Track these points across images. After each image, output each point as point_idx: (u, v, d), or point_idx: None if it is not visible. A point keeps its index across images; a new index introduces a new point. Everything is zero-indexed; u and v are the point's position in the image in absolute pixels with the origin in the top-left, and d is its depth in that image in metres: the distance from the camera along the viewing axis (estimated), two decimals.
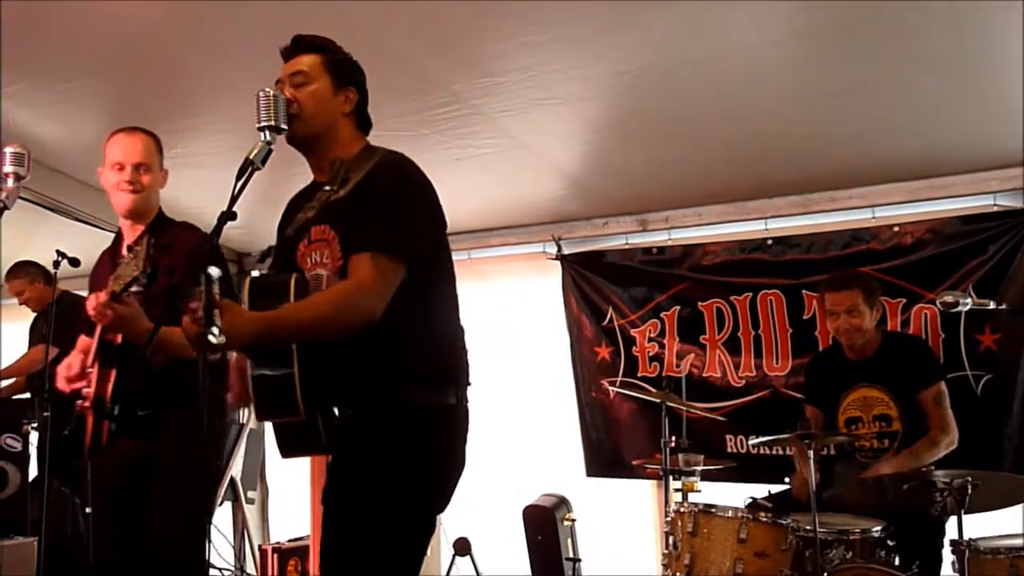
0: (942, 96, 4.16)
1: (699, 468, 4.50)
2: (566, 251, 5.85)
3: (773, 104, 4.31)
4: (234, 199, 2.30)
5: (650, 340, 5.61)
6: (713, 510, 3.88)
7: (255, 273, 2.59)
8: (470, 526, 5.32)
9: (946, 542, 3.80)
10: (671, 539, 3.98)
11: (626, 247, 5.72)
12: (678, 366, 5.46)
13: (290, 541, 6.04)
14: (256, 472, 6.61)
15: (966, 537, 3.46)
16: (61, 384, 3.30)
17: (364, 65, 2.65)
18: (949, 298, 3.38)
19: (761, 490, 4.38)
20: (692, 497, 4.34)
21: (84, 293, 6.13)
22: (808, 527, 3.66)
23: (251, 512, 6.52)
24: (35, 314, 6.16)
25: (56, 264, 5.06)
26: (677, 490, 4.42)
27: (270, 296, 2.31)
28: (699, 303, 5.46)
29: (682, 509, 3.98)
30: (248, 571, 6.28)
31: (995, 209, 4.72)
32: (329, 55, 2.56)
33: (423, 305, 2.42)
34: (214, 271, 2.00)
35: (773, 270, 5.26)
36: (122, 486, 3.37)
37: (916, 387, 4.23)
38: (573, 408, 5.86)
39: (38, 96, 4.76)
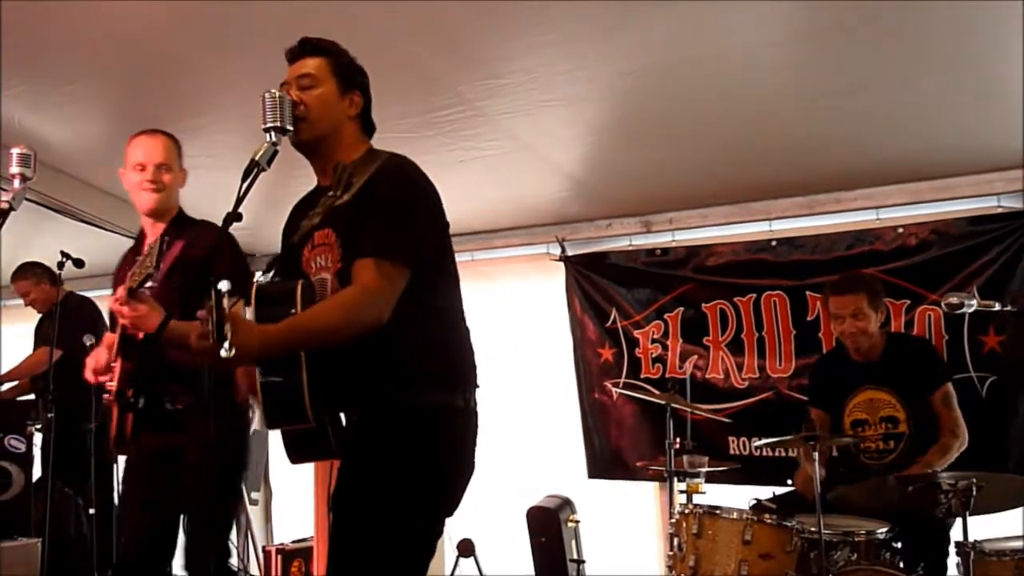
0: (945, 97, 4.15)
1: (703, 470, 4.49)
2: (570, 252, 5.85)
3: (777, 105, 4.31)
4: (239, 200, 2.30)
5: (653, 341, 5.60)
6: (718, 512, 3.88)
7: (259, 278, 2.58)
8: (474, 527, 5.31)
9: (951, 544, 3.79)
10: (676, 541, 3.97)
11: (630, 248, 5.72)
12: (681, 367, 5.46)
13: (294, 542, 6.04)
14: (260, 473, 6.61)
15: (971, 539, 3.47)
16: (89, 375, 3.33)
17: (368, 66, 2.64)
18: (954, 299, 3.38)
19: (763, 492, 4.37)
20: (696, 499, 4.33)
21: (89, 294, 6.21)
22: (813, 529, 3.65)
23: (255, 513, 6.52)
24: (40, 315, 6.16)
25: (60, 265, 5.08)
26: (682, 492, 4.41)
27: (277, 303, 2.31)
28: (703, 304, 5.46)
29: (687, 511, 3.98)
30: (252, 572, 6.27)
31: (999, 210, 4.72)
32: (335, 58, 2.56)
33: (429, 308, 2.41)
34: (223, 285, 2.00)
35: (777, 271, 5.25)
36: (146, 480, 3.41)
37: (924, 389, 4.23)
38: (577, 409, 5.85)
39: (42, 98, 4.78)
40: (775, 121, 4.44)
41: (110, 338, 3.39)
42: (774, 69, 4.07)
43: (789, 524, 3.75)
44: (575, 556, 5.43)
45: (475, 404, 2.46)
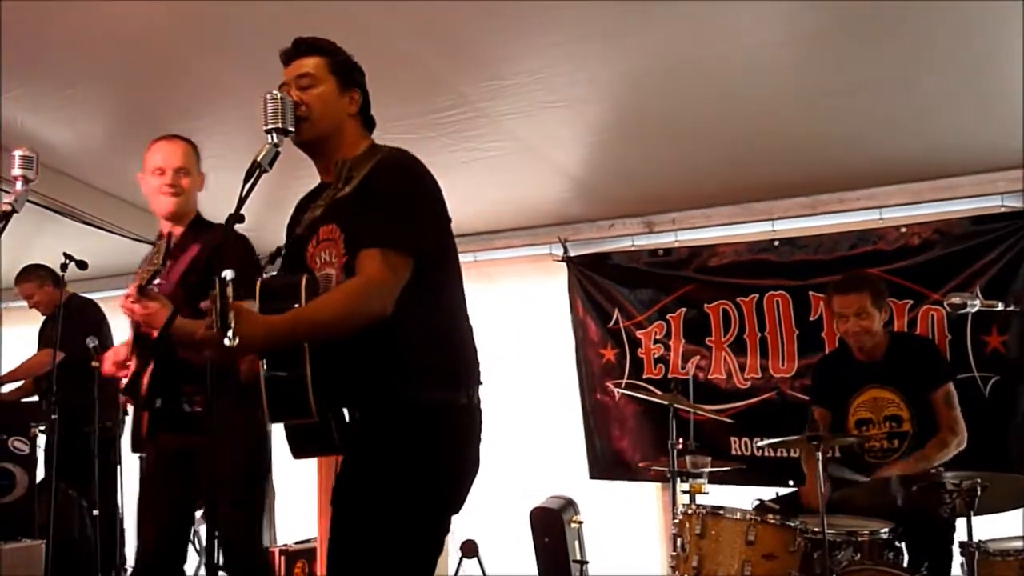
0: (947, 97, 4.16)
1: (706, 470, 4.48)
2: (572, 253, 5.85)
3: (779, 105, 4.31)
4: (242, 201, 2.31)
5: (656, 342, 5.60)
6: (721, 512, 3.87)
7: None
8: (477, 528, 5.31)
9: (955, 544, 3.79)
10: (679, 541, 3.97)
11: (632, 249, 5.72)
12: (684, 368, 5.45)
13: (297, 543, 6.04)
14: None
15: (975, 539, 3.46)
16: (108, 367, 3.36)
17: (370, 67, 2.65)
18: (957, 299, 3.38)
19: (765, 492, 4.37)
20: (699, 499, 4.33)
21: (92, 296, 6.22)
22: (816, 529, 3.65)
23: None
24: (43, 317, 6.17)
25: (63, 267, 5.08)
26: (685, 492, 4.41)
27: (281, 297, 2.31)
28: (705, 305, 5.45)
29: (690, 511, 3.97)
30: None
31: (1002, 210, 4.72)
32: (332, 57, 2.57)
33: (432, 303, 2.41)
34: (228, 274, 2.00)
35: (780, 271, 5.25)
36: (163, 480, 3.45)
37: (926, 388, 4.22)
38: (579, 410, 5.85)
39: (43, 100, 4.79)
40: (777, 121, 4.44)
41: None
42: (776, 69, 4.07)
43: (792, 524, 3.75)
44: (578, 557, 5.42)
45: (478, 401, 2.46)
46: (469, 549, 5.38)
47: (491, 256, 6.03)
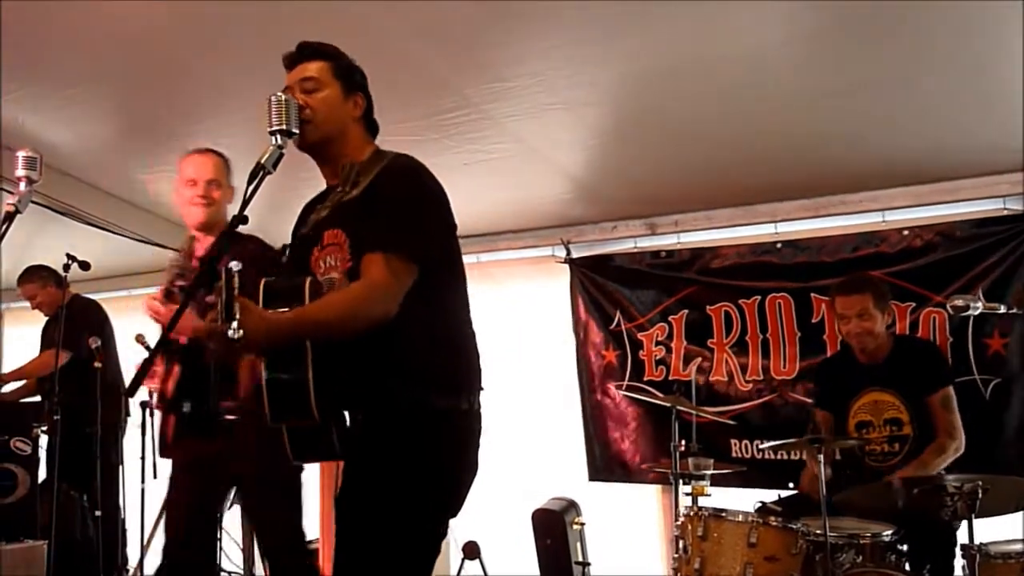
0: (949, 98, 4.16)
1: (709, 472, 4.48)
2: (575, 255, 5.85)
3: (781, 106, 4.31)
4: (245, 203, 2.32)
5: (657, 344, 5.60)
6: (723, 514, 3.87)
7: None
8: (479, 530, 5.31)
9: (957, 546, 3.79)
10: (681, 543, 3.97)
11: (635, 250, 5.72)
12: (685, 370, 5.45)
13: None
14: None
15: (977, 541, 3.46)
16: (150, 308, 3.39)
17: (373, 69, 2.65)
18: (959, 302, 3.37)
19: (766, 495, 4.37)
20: (701, 501, 4.33)
21: (95, 297, 6.23)
22: (818, 531, 3.65)
23: None
24: (46, 318, 6.18)
25: (66, 268, 5.09)
26: (687, 494, 4.41)
27: (285, 299, 2.32)
28: (707, 307, 5.45)
29: (692, 513, 3.98)
30: (257, 574, 6.28)
31: (1004, 213, 4.72)
32: (336, 61, 2.57)
33: (436, 309, 2.42)
34: (235, 265, 2.01)
35: (782, 273, 5.25)
36: (188, 484, 3.53)
37: (924, 391, 4.22)
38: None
39: (45, 100, 4.79)
40: (779, 123, 4.44)
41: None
42: (778, 70, 4.07)
43: (794, 526, 3.75)
44: (580, 558, 5.42)
45: (479, 406, 2.47)
46: (471, 550, 5.38)
47: (494, 257, 6.03)
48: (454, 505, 2.44)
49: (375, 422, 2.38)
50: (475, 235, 5.78)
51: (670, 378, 5.47)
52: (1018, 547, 3.52)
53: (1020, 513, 3.87)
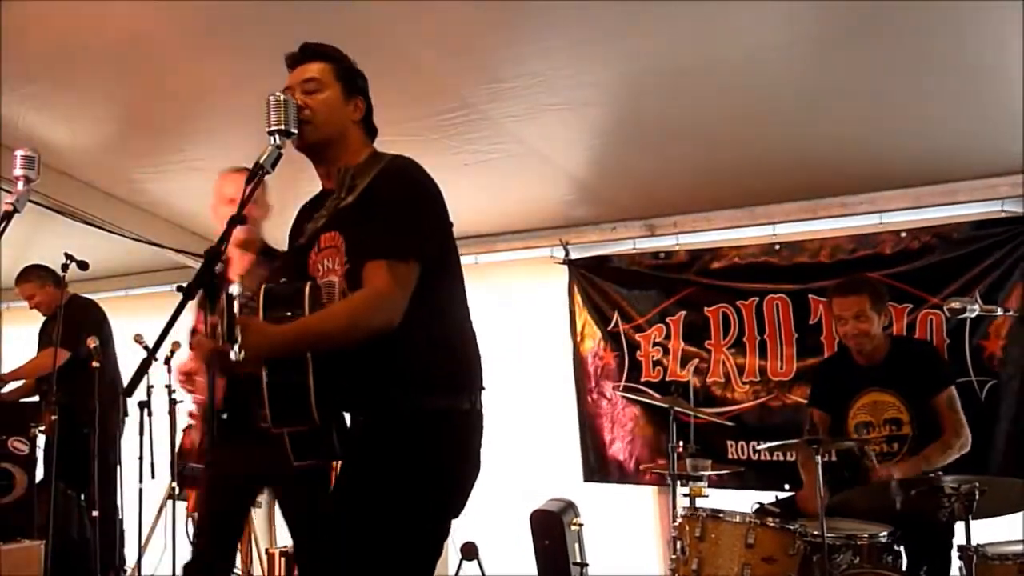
0: (947, 100, 4.15)
1: (706, 473, 4.49)
2: (573, 256, 5.85)
3: (780, 108, 4.31)
4: (243, 203, 2.31)
5: (655, 345, 5.60)
6: (721, 515, 3.88)
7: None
8: (477, 530, 5.31)
9: (954, 548, 3.79)
10: (679, 544, 3.98)
11: (633, 252, 5.72)
12: (682, 371, 5.46)
13: None
14: None
15: (974, 543, 3.47)
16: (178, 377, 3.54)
17: (373, 69, 2.65)
18: (956, 304, 3.38)
19: (762, 496, 4.38)
20: (699, 502, 4.33)
21: (94, 296, 6.22)
22: (816, 532, 3.65)
23: (258, 517, 6.51)
24: (44, 318, 6.17)
25: (64, 267, 5.09)
26: (684, 495, 4.41)
27: (285, 305, 2.32)
28: (705, 308, 5.45)
29: (690, 514, 3.98)
30: (255, 574, 6.28)
31: (1002, 215, 4.72)
32: (338, 63, 2.57)
33: (435, 309, 2.41)
34: (235, 288, 2.03)
35: (781, 275, 5.25)
36: (222, 492, 3.62)
37: (928, 392, 4.23)
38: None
39: (44, 100, 4.78)
40: (779, 125, 4.45)
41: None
42: (777, 72, 4.07)
43: (792, 527, 3.76)
44: (578, 559, 5.42)
45: (480, 406, 2.47)
46: (469, 551, 5.38)
47: (492, 258, 6.03)
48: (456, 505, 2.43)
49: (376, 423, 2.38)
50: (474, 235, 5.79)
51: (667, 379, 5.47)
52: (1014, 548, 3.52)
53: (1017, 515, 3.89)
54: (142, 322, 5.39)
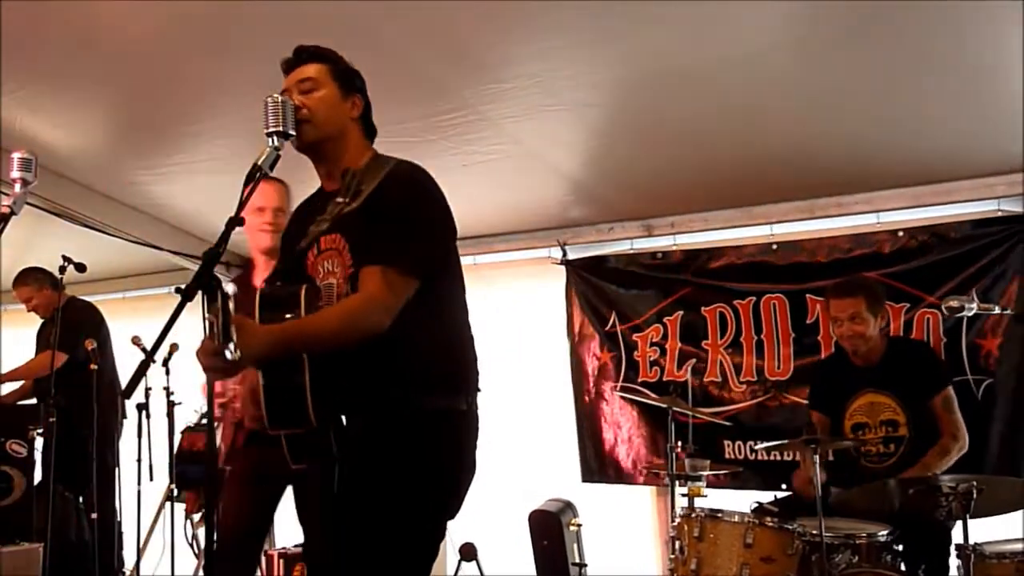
0: (945, 99, 4.15)
1: (705, 473, 4.49)
2: (571, 256, 5.85)
3: (778, 108, 4.32)
4: (242, 204, 2.32)
5: (652, 345, 5.60)
6: (719, 515, 3.88)
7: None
8: (476, 531, 5.31)
9: (952, 546, 3.80)
10: (677, 544, 3.98)
11: (631, 252, 5.72)
12: (679, 371, 5.46)
13: (296, 546, 6.03)
14: None
15: (972, 542, 3.48)
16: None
17: (371, 71, 2.65)
18: (954, 303, 3.39)
19: (759, 496, 4.38)
20: (697, 502, 4.33)
21: (91, 299, 6.22)
22: (814, 531, 3.66)
23: None
24: (42, 320, 6.17)
25: (62, 270, 5.09)
26: (683, 495, 4.41)
27: (281, 307, 2.33)
28: (702, 308, 5.45)
29: (688, 514, 3.98)
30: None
31: (999, 214, 4.72)
32: (334, 64, 2.58)
33: (434, 311, 2.42)
34: (230, 288, 2.03)
35: (778, 275, 5.25)
36: (245, 492, 3.71)
37: (925, 394, 4.24)
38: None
39: (42, 101, 4.78)
40: (775, 125, 4.45)
41: None
42: (775, 73, 4.07)
43: (790, 527, 3.76)
44: (577, 560, 5.42)
45: (476, 407, 2.48)
46: (468, 552, 5.37)
47: (490, 259, 6.03)
48: (453, 506, 2.44)
49: (374, 424, 2.38)
50: (471, 236, 5.79)
51: (665, 379, 5.47)
52: (1013, 547, 3.53)
53: (1015, 513, 3.89)
54: (140, 324, 5.40)
